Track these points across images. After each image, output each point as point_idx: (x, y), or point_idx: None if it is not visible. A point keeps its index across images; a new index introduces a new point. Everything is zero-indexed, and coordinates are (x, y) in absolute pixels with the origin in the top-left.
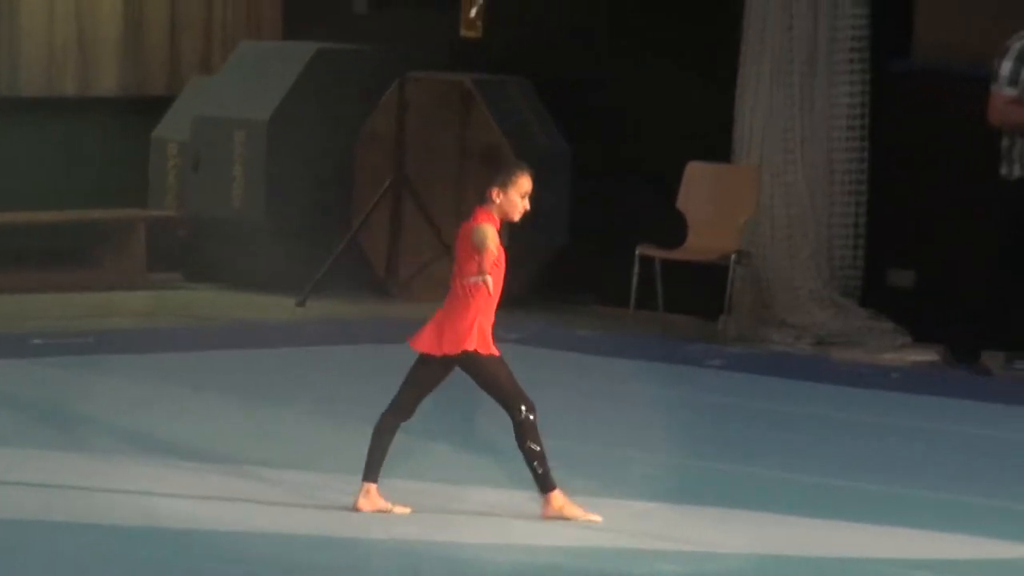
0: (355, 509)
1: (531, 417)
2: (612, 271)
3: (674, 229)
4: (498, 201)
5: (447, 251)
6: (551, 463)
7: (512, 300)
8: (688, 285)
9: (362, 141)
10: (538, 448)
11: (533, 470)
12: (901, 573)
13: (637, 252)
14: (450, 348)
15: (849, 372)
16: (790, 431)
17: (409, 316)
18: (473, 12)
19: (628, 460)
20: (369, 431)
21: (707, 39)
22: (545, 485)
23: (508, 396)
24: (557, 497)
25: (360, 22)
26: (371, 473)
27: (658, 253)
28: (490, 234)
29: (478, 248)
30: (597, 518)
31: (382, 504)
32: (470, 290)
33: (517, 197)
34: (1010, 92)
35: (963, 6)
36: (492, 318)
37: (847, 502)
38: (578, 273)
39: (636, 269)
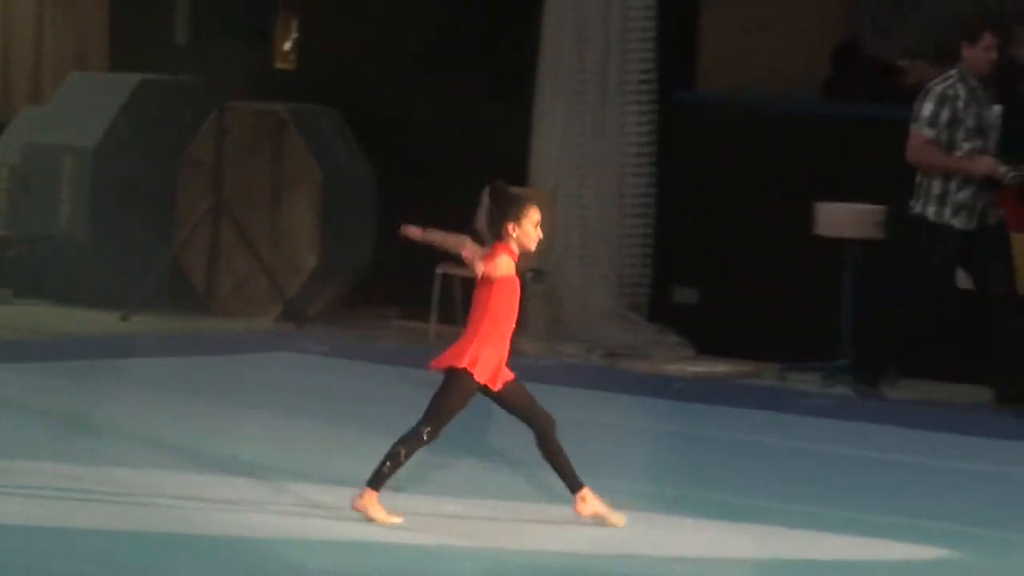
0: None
1: (425, 439)
2: (415, 288)
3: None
4: (515, 235)
5: (263, 269)
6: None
7: (320, 315)
8: None
9: (183, 166)
10: (402, 459)
11: (381, 465)
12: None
13: (438, 271)
14: (439, 364)
15: (636, 382)
16: (580, 439)
17: (226, 330)
18: (287, 45)
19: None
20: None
21: (506, 70)
22: (374, 482)
23: (435, 414)
24: (371, 495)
25: (182, 54)
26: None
27: (458, 271)
28: (503, 264)
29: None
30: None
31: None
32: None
33: (531, 227)
34: (929, 133)
35: (741, 43)
36: (501, 348)
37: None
38: (383, 290)
39: (437, 287)
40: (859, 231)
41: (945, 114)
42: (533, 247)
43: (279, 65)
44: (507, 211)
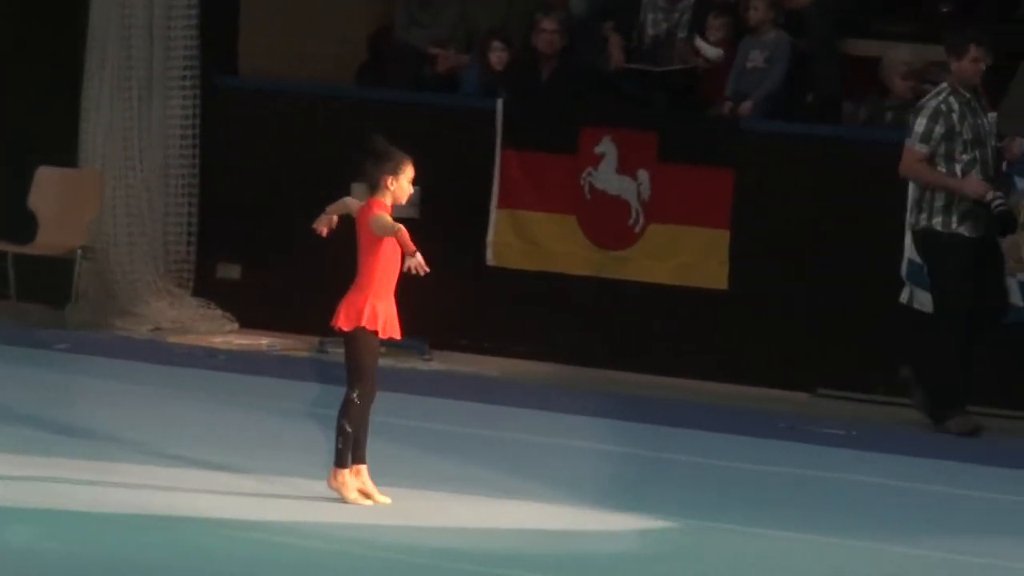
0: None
1: (358, 401)
2: None
3: (26, 226)
4: (391, 188)
5: None
6: None
7: None
8: (39, 277)
9: None
10: (349, 429)
11: (336, 444)
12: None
13: None
14: (344, 323)
15: (183, 354)
16: (129, 408)
17: None
18: None
19: None
20: None
21: (55, 55)
22: (339, 461)
23: (357, 375)
24: (342, 474)
25: None
26: (342, 459)
27: (10, 248)
28: (388, 219)
29: (385, 234)
30: (386, 500)
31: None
32: (413, 269)
33: (406, 182)
34: (922, 149)
35: (280, 31)
36: (390, 299)
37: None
38: None
39: None
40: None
41: (939, 129)
42: (404, 201)
43: None
44: (385, 166)
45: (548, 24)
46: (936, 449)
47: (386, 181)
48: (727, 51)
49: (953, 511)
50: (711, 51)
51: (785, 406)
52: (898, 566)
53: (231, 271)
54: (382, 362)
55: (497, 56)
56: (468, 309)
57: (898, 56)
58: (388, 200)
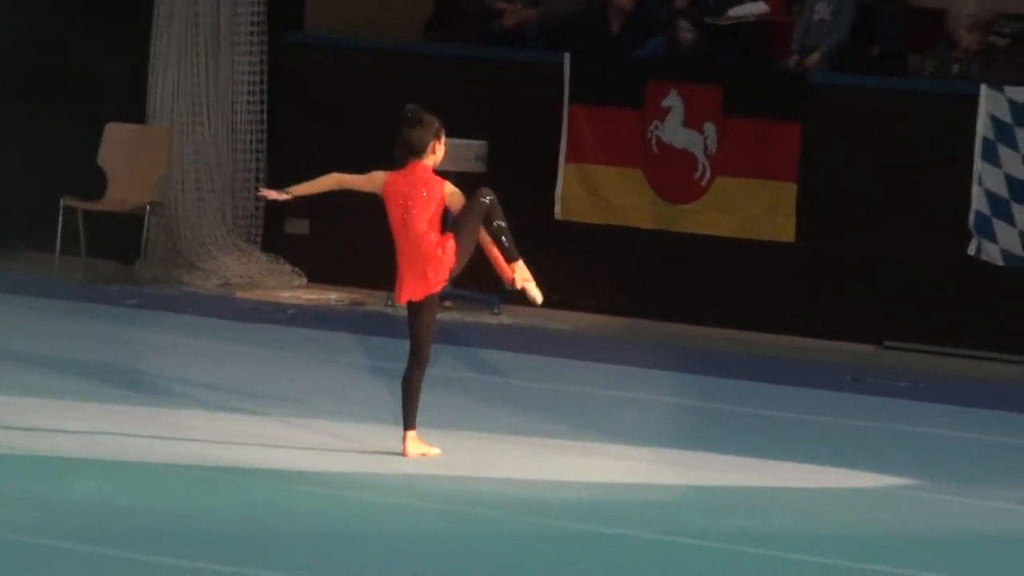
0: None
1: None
2: (40, 220)
3: (96, 183)
4: (438, 154)
5: None
6: None
7: None
8: (109, 233)
9: None
10: (413, 399)
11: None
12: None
13: (61, 203)
14: (436, 287)
15: (251, 309)
16: (198, 364)
17: None
18: None
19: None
20: None
21: (121, 12)
22: (407, 423)
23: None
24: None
25: None
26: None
27: (80, 204)
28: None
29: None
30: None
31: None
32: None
33: (442, 146)
34: None
35: None
36: None
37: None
38: (8, 222)
39: (60, 218)
40: (460, 165)
41: None
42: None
43: None
44: (428, 131)
45: None
46: (1004, 400)
47: (433, 146)
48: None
49: (1020, 462)
50: (753, 7)
51: (852, 358)
52: (964, 515)
53: (299, 226)
54: (453, 316)
55: None
56: (536, 263)
57: (964, 8)
58: (431, 164)
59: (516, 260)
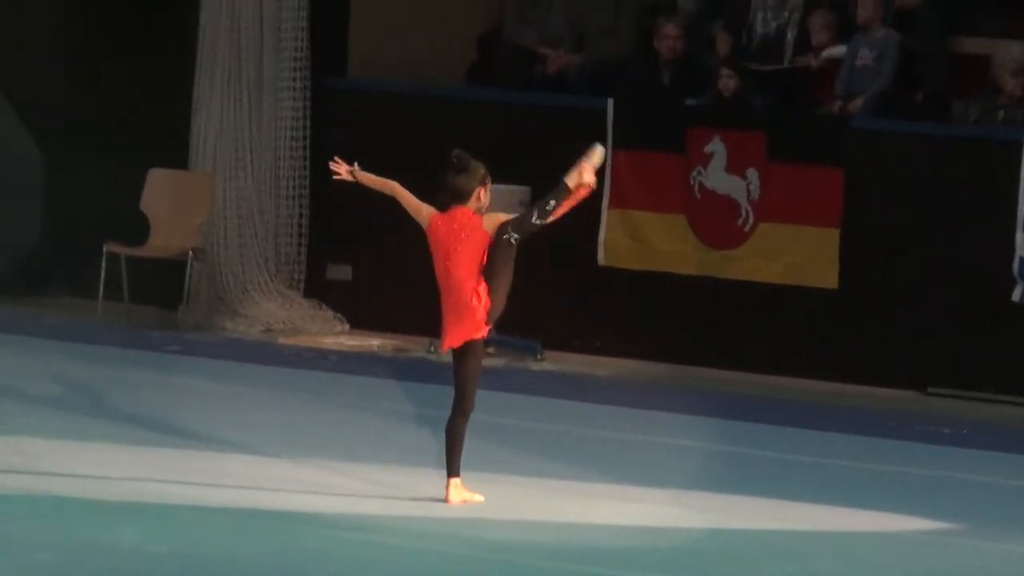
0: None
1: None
2: (83, 266)
3: (139, 228)
4: (483, 201)
5: None
6: None
7: None
8: (151, 279)
9: None
10: (457, 446)
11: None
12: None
13: (104, 249)
14: (477, 333)
15: (293, 355)
16: (239, 410)
17: None
18: None
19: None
20: None
21: (165, 56)
22: (451, 470)
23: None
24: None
25: None
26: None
27: (123, 250)
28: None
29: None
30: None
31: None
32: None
33: (487, 194)
34: None
35: (390, 32)
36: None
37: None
38: (51, 268)
39: (104, 264)
40: (503, 211)
41: None
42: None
43: None
44: (474, 178)
45: (671, 30)
46: None
47: (479, 193)
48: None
49: None
50: (836, 50)
51: (896, 405)
52: (1008, 562)
53: (342, 272)
54: (496, 362)
55: None
56: (580, 309)
57: (1009, 53)
58: (474, 209)
59: (568, 184)
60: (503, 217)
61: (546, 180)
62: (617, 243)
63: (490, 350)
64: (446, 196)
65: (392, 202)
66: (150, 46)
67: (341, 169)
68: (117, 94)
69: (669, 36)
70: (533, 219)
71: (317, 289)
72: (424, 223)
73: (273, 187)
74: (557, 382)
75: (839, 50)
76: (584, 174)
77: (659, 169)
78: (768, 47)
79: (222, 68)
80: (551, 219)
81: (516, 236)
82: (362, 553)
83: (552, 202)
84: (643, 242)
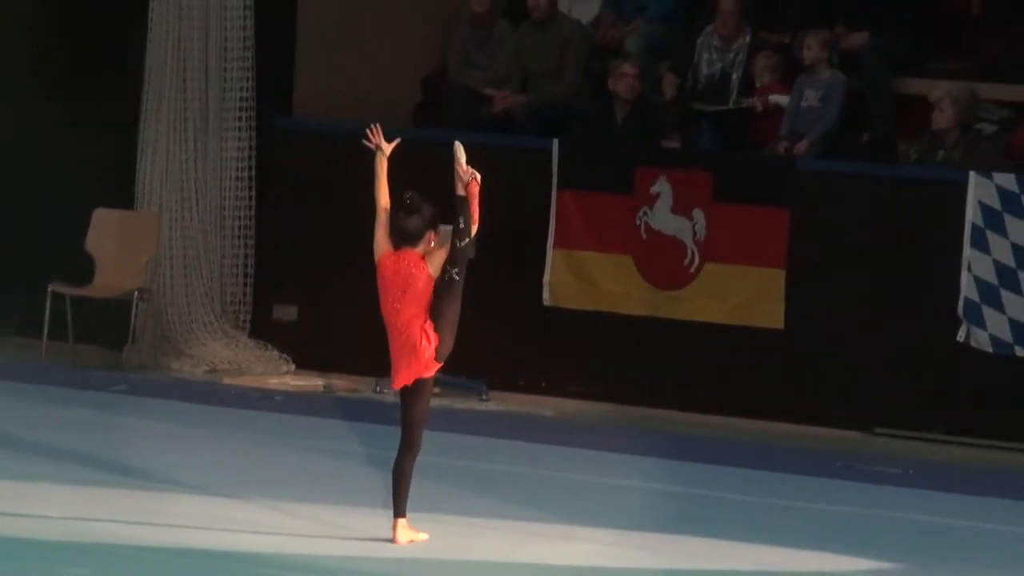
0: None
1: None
2: (28, 306)
3: (84, 268)
4: (432, 244)
5: None
6: None
7: None
8: (96, 319)
9: None
10: (404, 486)
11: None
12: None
13: (49, 289)
14: (426, 372)
15: (239, 395)
16: (185, 449)
17: None
18: None
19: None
20: None
21: (109, 97)
22: (397, 510)
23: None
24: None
25: None
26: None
27: (68, 290)
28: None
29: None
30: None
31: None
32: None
33: (436, 238)
34: None
35: (336, 72)
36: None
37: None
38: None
39: (48, 304)
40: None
41: None
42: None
43: None
44: (425, 222)
45: (629, 69)
46: (994, 487)
47: (429, 236)
48: (781, 91)
49: (1010, 549)
50: (780, 98)
51: (842, 445)
52: None
53: (287, 312)
54: (441, 402)
55: None
56: (526, 349)
57: (941, 88)
58: (422, 252)
59: (461, 194)
60: (443, 254)
61: (491, 219)
62: (562, 283)
63: (436, 390)
64: (396, 237)
65: (338, 243)
66: (95, 85)
67: (376, 139)
68: (62, 134)
69: (627, 75)
70: (460, 245)
71: (263, 329)
72: (377, 254)
73: (219, 227)
74: (502, 422)
75: (783, 99)
76: (463, 175)
77: (605, 209)
78: (713, 88)
79: (168, 108)
80: (474, 230)
81: (457, 271)
82: None
83: (461, 219)
84: (589, 282)
